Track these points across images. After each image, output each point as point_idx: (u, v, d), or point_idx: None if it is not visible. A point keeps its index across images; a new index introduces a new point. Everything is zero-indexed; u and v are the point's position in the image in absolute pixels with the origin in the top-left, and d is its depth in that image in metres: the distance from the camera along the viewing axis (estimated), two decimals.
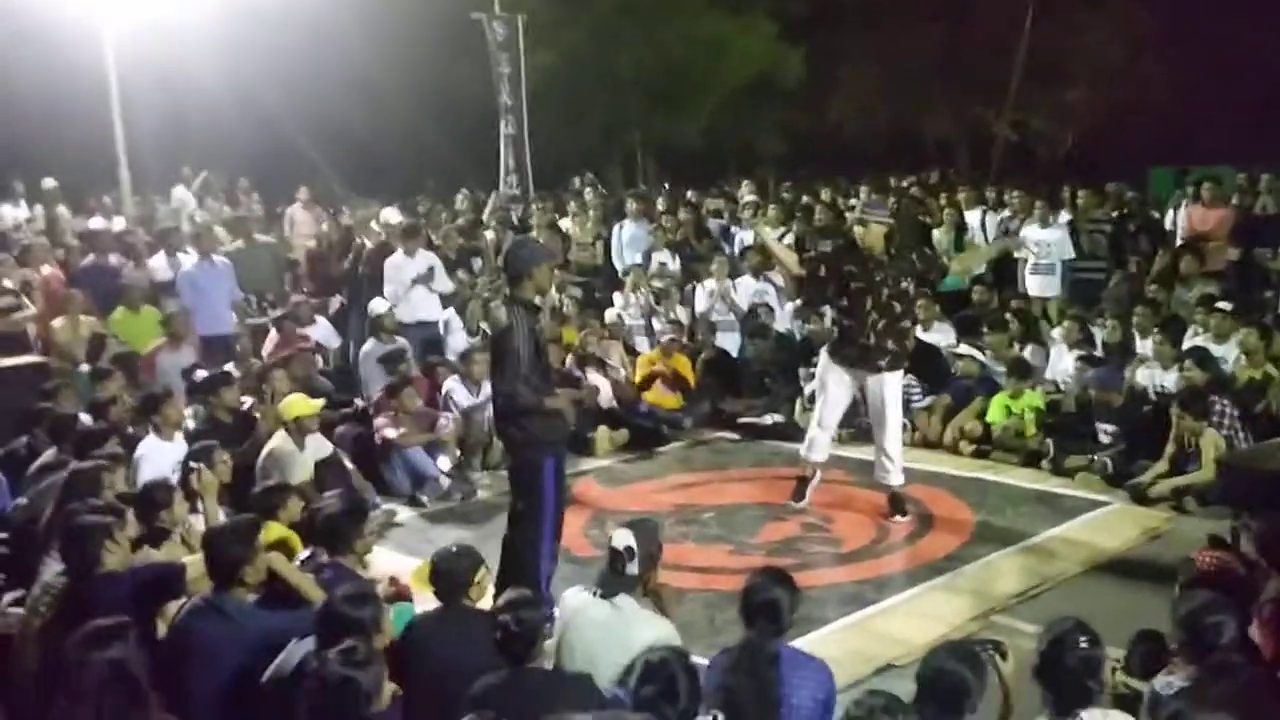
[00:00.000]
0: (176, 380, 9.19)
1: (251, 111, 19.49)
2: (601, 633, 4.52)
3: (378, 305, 10.62)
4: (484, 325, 10.10)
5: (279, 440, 7.79)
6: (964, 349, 10.02)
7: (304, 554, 5.37)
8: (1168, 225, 11.85)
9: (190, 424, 8.44)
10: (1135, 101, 24.12)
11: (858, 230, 7.84)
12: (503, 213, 14.31)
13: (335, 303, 12.43)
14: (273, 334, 10.72)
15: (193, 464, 6.45)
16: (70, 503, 5.49)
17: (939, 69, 25.79)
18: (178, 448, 7.48)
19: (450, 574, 4.70)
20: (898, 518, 7.82)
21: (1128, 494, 8.01)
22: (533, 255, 6.32)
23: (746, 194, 15.52)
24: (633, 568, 4.63)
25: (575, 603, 4.72)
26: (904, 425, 9.48)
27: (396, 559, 6.84)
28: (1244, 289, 10.87)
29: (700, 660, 4.22)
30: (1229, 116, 21.39)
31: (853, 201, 15.65)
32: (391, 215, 13.21)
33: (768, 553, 7.31)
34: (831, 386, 7.98)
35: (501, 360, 6.03)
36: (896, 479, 7.91)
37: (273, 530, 5.42)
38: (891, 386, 7.79)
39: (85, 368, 9.55)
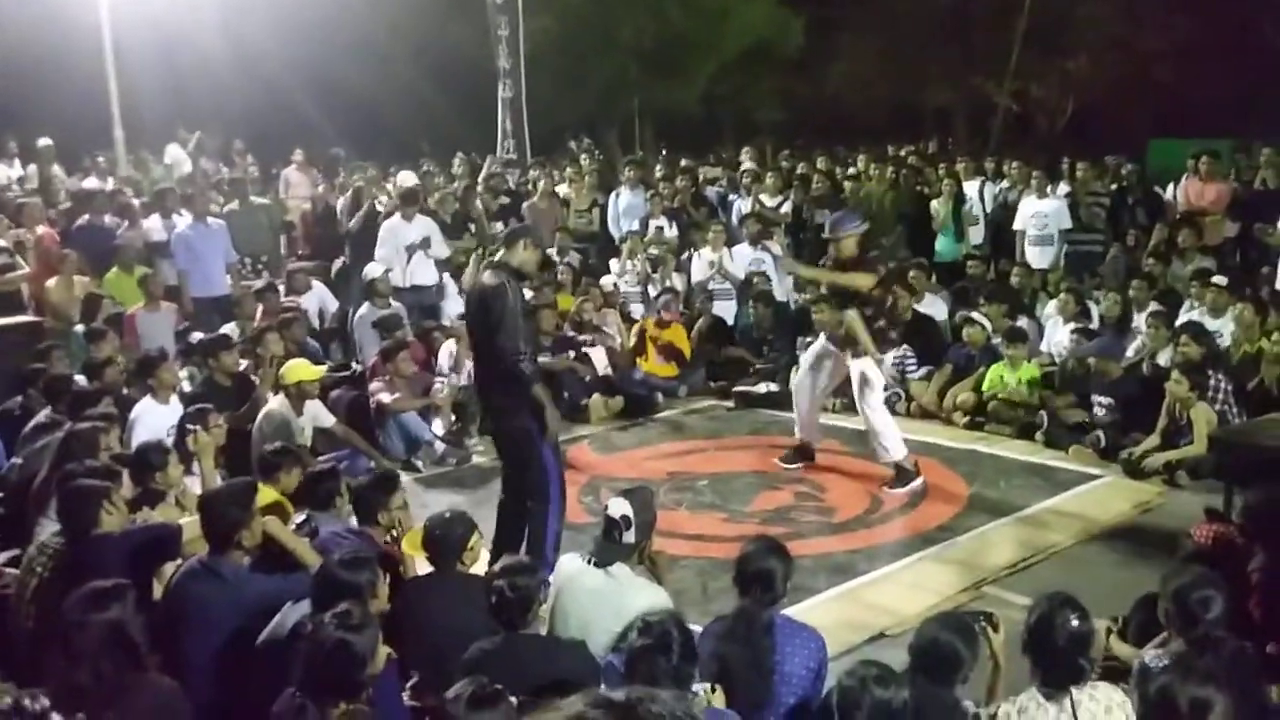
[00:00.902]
0: (156, 341, 9.14)
1: (249, 71, 19.36)
2: (596, 600, 4.54)
3: (372, 269, 10.59)
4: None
5: (276, 404, 7.78)
6: (976, 315, 9.99)
7: (299, 518, 5.39)
8: (1167, 198, 11.81)
9: (186, 386, 8.44)
10: (1136, 73, 23.99)
11: (831, 250, 7.96)
12: (497, 179, 14.24)
13: (337, 264, 12.37)
14: (259, 305, 10.67)
15: (189, 426, 6.45)
16: (67, 463, 5.50)
17: (939, 38, 25.63)
18: (173, 410, 7.49)
19: (444, 539, 4.72)
20: (895, 489, 7.82)
21: (1120, 467, 8.04)
22: (524, 233, 6.43)
23: (746, 162, 15.45)
24: (629, 536, 4.65)
25: (570, 569, 4.75)
26: (899, 396, 9.62)
27: None
28: (1242, 264, 10.87)
29: (694, 627, 4.25)
30: (1229, 90, 21.29)
31: (851, 170, 15.65)
32: (408, 178, 13.12)
33: (761, 521, 7.36)
34: (806, 366, 8.19)
35: (497, 322, 6.00)
36: (895, 454, 7.92)
37: (266, 494, 5.43)
38: (862, 370, 7.84)
39: (80, 328, 9.53)
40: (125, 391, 8.01)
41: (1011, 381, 9.20)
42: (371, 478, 5.58)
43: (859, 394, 7.91)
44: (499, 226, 11.92)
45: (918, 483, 7.88)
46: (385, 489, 5.44)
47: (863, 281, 7.78)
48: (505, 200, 13.49)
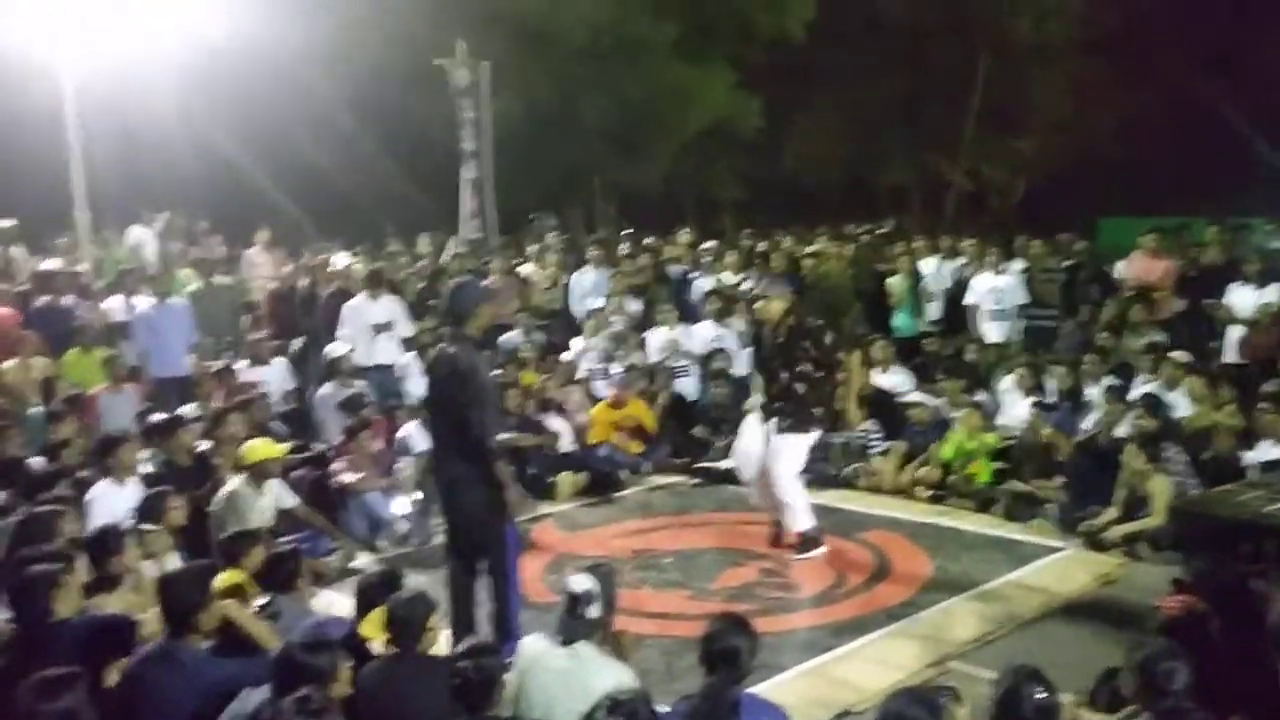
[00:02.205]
0: (118, 423, 9.04)
1: (212, 152, 19.37)
2: (560, 680, 4.49)
3: (336, 348, 10.56)
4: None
5: (236, 484, 7.70)
6: (915, 396, 10.11)
7: (261, 600, 5.30)
8: (1117, 274, 12.03)
9: (147, 467, 8.33)
10: (1086, 151, 24.59)
11: (757, 306, 8.17)
12: (464, 259, 14.29)
13: (296, 343, 12.32)
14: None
15: (144, 525, 6.37)
16: (22, 548, 5.40)
17: (894, 118, 26.19)
18: (131, 492, 7.39)
19: (406, 620, 4.66)
20: (801, 555, 7.96)
21: (1081, 540, 8.08)
22: (478, 295, 6.43)
23: (683, 239, 15.58)
24: (592, 610, 4.61)
25: (533, 650, 4.70)
26: (859, 471, 9.67)
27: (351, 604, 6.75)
28: (1192, 338, 11.06)
29: (660, 708, 4.21)
30: (1176, 168, 21.84)
31: (811, 248, 15.82)
32: (341, 259, 13.18)
33: (725, 598, 7.31)
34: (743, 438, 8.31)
35: (472, 397, 5.97)
36: (802, 523, 8.03)
37: (228, 577, 5.36)
38: (785, 447, 7.97)
39: (39, 409, 9.40)
40: (82, 474, 7.89)
41: (969, 449, 9.26)
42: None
43: (772, 462, 7.99)
44: None
45: (819, 551, 8.00)
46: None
47: (776, 306, 8.02)
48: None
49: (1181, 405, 9.21)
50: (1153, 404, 8.79)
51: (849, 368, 8.29)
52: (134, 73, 15.71)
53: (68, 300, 11.49)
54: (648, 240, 15.75)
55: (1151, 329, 10.74)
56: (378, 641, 4.87)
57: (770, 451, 8.04)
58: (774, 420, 8.04)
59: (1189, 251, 12.23)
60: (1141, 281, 11.47)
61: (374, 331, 10.99)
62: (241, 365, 11.09)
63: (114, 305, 11.44)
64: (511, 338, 12.06)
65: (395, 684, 4.52)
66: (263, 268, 14.46)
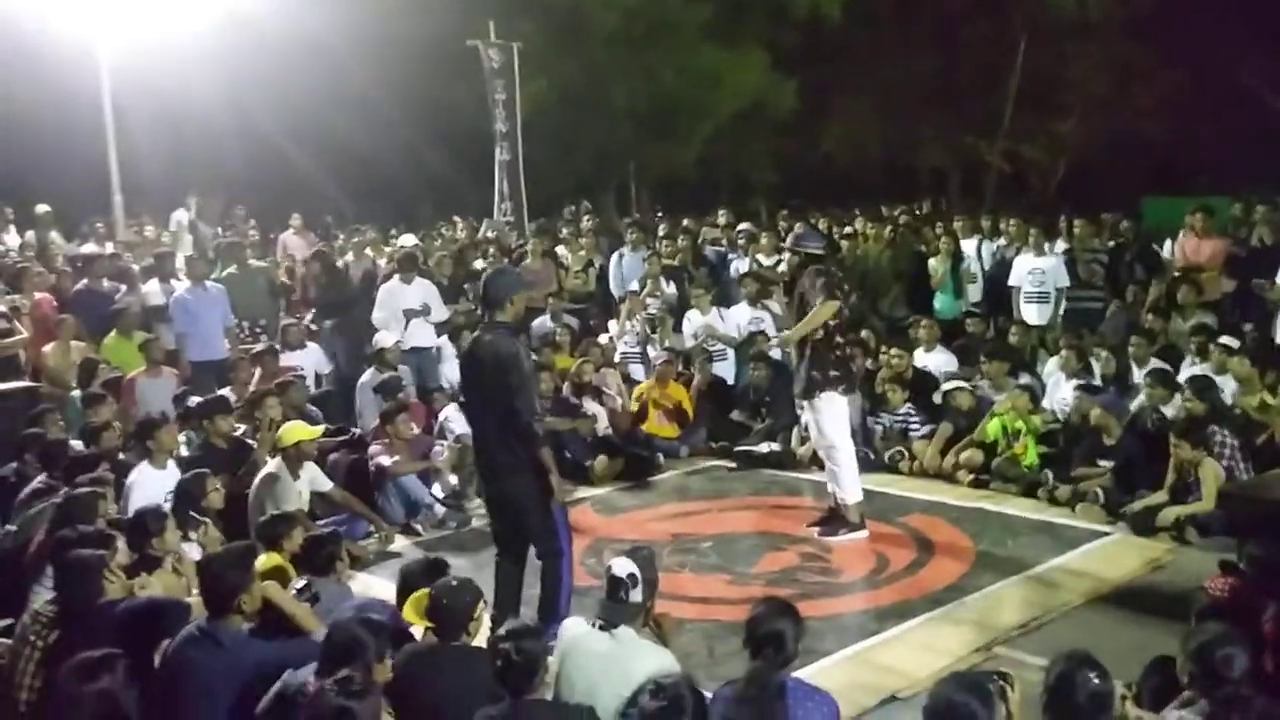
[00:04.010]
0: (155, 406, 9.09)
1: (251, 134, 19.48)
2: (602, 664, 4.45)
3: (383, 339, 10.57)
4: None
5: (273, 467, 7.73)
6: (952, 384, 9.97)
7: (299, 583, 5.29)
8: (1164, 255, 11.84)
9: (184, 450, 8.37)
10: (1127, 132, 24.25)
11: (790, 260, 7.94)
12: (493, 242, 14.29)
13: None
14: (257, 369, 10.62)
15: (193, 514, 6.39)
16: (62, 529, 5.42)
17: (931, 100, 25.93)
18: (170, 474, 7.43)
19: (451, 609, 4.61)
20: (827, 535, 7.98)
21: (1128, 524, 7.95)
22: (513, 282, 6.40)
23: (722, 221, 15.51)
24: (635, 595, 4.57)
25: (575, 633, 4.66)
26: (902, 454, 9.60)
27: (391, 588, 6.75)
28: (1241, 319, 10.87)
29: (703, 693, 4.16)
30: (1221, 146, 21.49)
31: (847, 229, 15.72)
32: (408, 240, 13.13)
33: (766, 583, 7.25)
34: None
35: (516, 385, 5.92)
36: (849, 498, 8.03)
37: (267, 559, 5.36)
38: (821, 408, 7.96)
39: (77, 393, 9.47)
40: (121, 456, 7.93)
41: (1013, 430, 9.14)
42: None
43: (815, 433, 7.98)
44: None
45: (860, 535, 7.96)
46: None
47: (826, 312, 7.83)
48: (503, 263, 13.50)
49: (1230, 389, 9.03)
50: (1202, 386, 8.63)
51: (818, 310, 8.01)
52: (174, 56, 15.79)
53: (106, 284, 11.57)
54: (686, 222, 15.69)
55: (1199, 310, 10.56)
56: (418, 627, 4.84)
57: (812, 420, 8.06)
58: (802, 387, 8.04)
59: (1238, 231, 12.02)
60: (1189, 262, 11.28)
61: (406, 316, 10.99)
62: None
63: (151, 289, 11.49)
64: (543, 322, 12.03)
65: (435, 673, 4.48)
66: (296, 251, 14.52)
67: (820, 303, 7.81)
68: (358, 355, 11.34)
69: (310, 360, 11.18)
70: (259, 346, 10.82)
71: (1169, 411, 8.70)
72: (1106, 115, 24.87)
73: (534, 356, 9.83)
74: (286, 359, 10.83)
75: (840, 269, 10.52)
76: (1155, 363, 9.64)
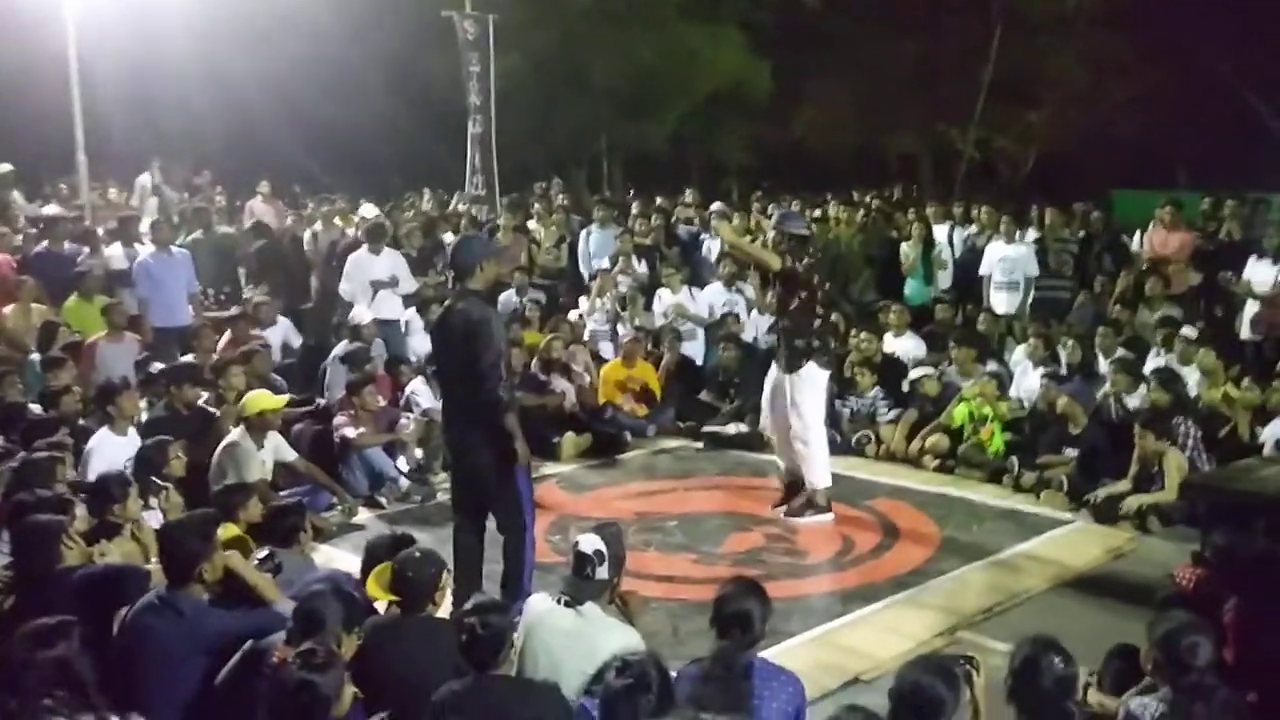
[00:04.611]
0: (116, 371, 8.96)
1: (220, 98, 19.19)
2: (567, 641, 4.43)
3: (359, 314, 10.47)
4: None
5: (236, 436, 7.65)
6: (919, 372, 9.98)
7: (261, 553, 5.23)
8: (1133, 247, 11.90)
9: (144, 416, 8.26)
10: (1100, 125, 24.34)
11: (775, 242, 8.02)
12: (472, 213, 14.19)
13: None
14: (227, 333, 10.51)
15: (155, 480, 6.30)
16: (19, 492, 5.33)
17: (906, 86, 25.92)
18: (130, 441, 7.34)
19: (416, 581, 4.57)
20: (794, 516, 7.99)
21: (1091, 513, 8.01)
22: (481, 248, 6.38)
23: (690, 200, 15.44)
24: (601, 571, 4.55)
25: (539, 609, 4.63)
26: (869, 438, 9.62)
27: (353, 560, 6.70)
28: (1207, 312, 10.96)
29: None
30: (1198, 143, 21.60)
31: (818, 213, 15.71)
32: (370, 211, 13.04)
33: (732, 563, 7.25)
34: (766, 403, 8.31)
35: (483, 350, 5.89)
36: (818, 482, 8.01)
37: (228, 529, 5.30)
38: (800, 382, 7.95)
39: (36, 356, 9.31)
40: (81, 422, 7.82)
41: (979, 415, 9.18)
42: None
43: (790, 411, 7.94)
44: None
45: (826, 517, 7.96)
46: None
47: (773, 260, 7.88)
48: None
49: (1193, 380, 9.11)
50: (1167, 377, 8.70)
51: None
52: (144, 16, 15.53)
53: (68, 246, 11.39)
54: (659, 200, 15.63)
55: (1166, 303, 10.63)
56: (382, 601, 4.79)
57: (788, 392, 7.97)
58: (783, 358, 8.01)
59: (1206, 226, 12.10)
60: (1157, 254, 11.36)
61: (375, 287, 10.89)
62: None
63: (114, 253, 11.32)
64: (509, 297, 11.97)
65: (401, 645, 4.44)
66: (264, 219, 14.36)
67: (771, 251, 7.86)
68: (317, 328, 11.24)
69: (278, 333, 11.05)
70: (232, 311, 10.68)
71: (1133, 402, 8.76)
72: (1081, 108, 24.95)
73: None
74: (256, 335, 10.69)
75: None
76: (1121, 353, 9.70)
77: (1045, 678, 3.72)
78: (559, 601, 4.56)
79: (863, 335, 10.62)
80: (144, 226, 11.85)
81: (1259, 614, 4.59)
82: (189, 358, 9.56)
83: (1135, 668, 4.25)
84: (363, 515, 8.31)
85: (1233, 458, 7.84)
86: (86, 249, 11.41)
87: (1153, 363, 9.47)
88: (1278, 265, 10.30)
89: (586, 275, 12.84)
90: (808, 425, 7.98)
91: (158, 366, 9.29)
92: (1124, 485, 8.00)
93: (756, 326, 11.43)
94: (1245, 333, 10.38)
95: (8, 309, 9.99)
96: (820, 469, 8.05)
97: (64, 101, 13.62)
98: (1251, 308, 10.36)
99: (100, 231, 11.91)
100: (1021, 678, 3.78)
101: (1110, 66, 24.27)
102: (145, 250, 10.95)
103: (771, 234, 8.15)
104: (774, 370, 8.23)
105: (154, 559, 5.09)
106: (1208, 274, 11.08)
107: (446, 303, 6.39)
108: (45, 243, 11.40)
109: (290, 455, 8.07)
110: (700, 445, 10.22)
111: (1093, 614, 6.35)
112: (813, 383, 7.97)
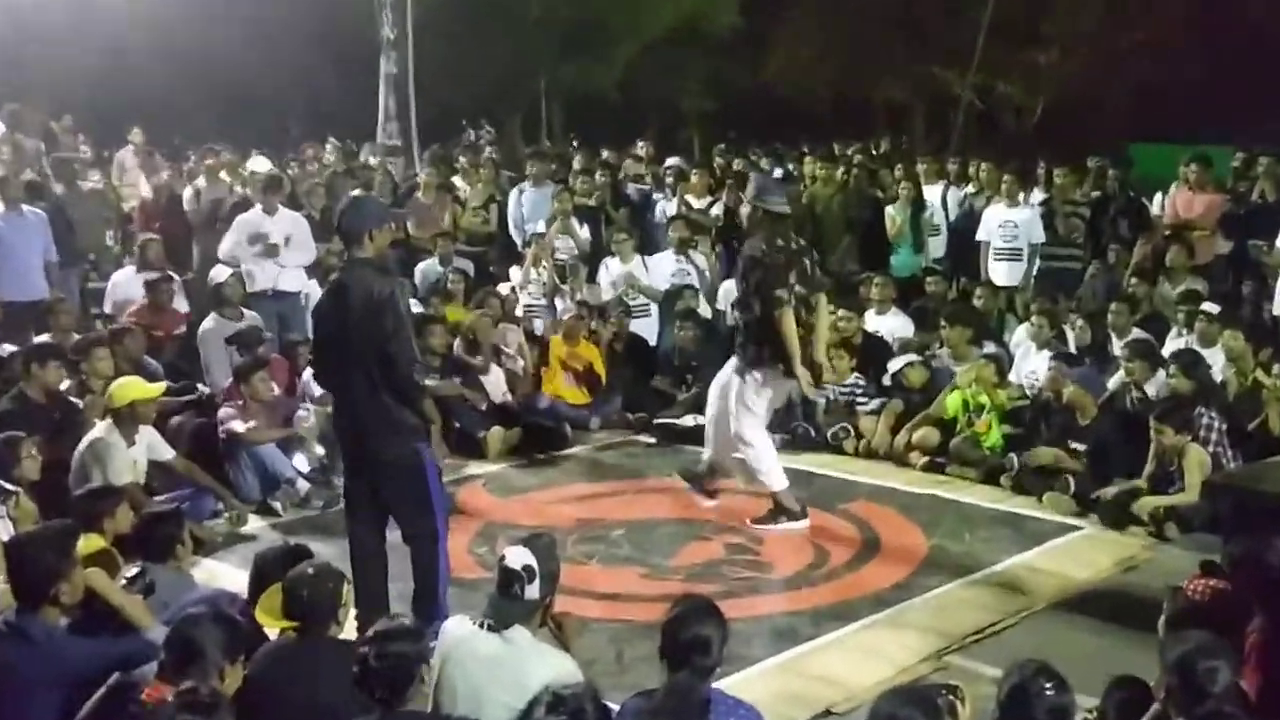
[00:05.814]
0: None
1: (87, 31, 18.91)
2: (490, 669, 4.45)
3: (219, 272, 10.39)
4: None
5: (102, 430, 7.60)
6: (902, 361, 10.05)
7: (131, 570, 5.20)
8: (1153, 210, 12.05)
9: None
10: (1114, 69, 24.60)
11: (752, 216, 8.06)
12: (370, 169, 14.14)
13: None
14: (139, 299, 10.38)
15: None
16: None
17: (894, 24, 26.05)
18: None
19: (314, 601, 4.57)
20: (766, 525, 8.05)
21: (1099, 518, 8.13)
22: (373, 213, 6.31)
23: (644, 154, 15.48)
24: (531, 591, 4.55)
25: (458, 634, 4.64)
26: (847, 432, 9.70)
27: (241, 577, 6.67)
28: (1234, 286, 11.12)
29: (609, 705, 4.17)
30: (1219, 89, 21.86)
31: (791, 169, 15.80)
32: (262, 164, 12.97)
33: (686, 577, 7.30)
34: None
35: (392, 329, 5.89)
36: (774, 483, 8.08)
37: (91, 542, 5.26)
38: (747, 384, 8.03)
39: None
40: None
41: (974, 406, 9.28)
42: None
43: (735, 409, 8.00)
44: None
45: (800, 525, 8.01)
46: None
47: (790, 324, 7.85)
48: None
49: (1219, 364, 9.25)
50: (1189, 362, 8.82)
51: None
52: None
53: None
54: (605, 154, 15.63)
55: (1190, 275, 10.78)
56: (273, 629, 4.79)
57: (733, 392, 8.05)
58: (737, 354, 8.07)
59: (1236, 185, 12.26)
60: (1180, 219, 11.51)
61: (267, 253, 10.83)
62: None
63: None
64: (431, 266, 11.93)
65: (302, 674, 4.44)
66: (134, 174, 14.23)
67: (778, 315, 7.79)
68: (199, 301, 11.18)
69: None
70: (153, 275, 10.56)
71: (1150, 389, 8.88)
72: (1094, 48, 25.21)
73: (419, 307, 9.78)
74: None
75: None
76: (1137, 333, 9.83)
77: (1037, 707, 3.78)
78: (481, 625, 4.58)
79: (841, 313, 10.68)
80: None
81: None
82: (45, 337, 9.46)
83: (1140, 698, 4.32)
84: (253, 524, 8.28)
85: (1261, 455, 7.98)
86: None
87: (1173, 344, 9.61)
88: None
89: (520, 241, 12.82)
90: (745, 433, 8.04)
91: (7, 348, 9.17)
92: (1138, 484, 8.12)
93: (715, 299, 11.46)
94: (1278, 310, 10.56)
95: None
96: (771, 471, 8.09)
97: None
98: None
99: None
100: (1010, 708, 3.84)
101: (1125, 2, 24.52)
102: None
103: (745, 209, 8.17)
104: (735, 360, 8.24)
105: (1, 578, 5.04)
106: (1238, 242, 11.25)
107: (334, 276, 6.40)
108: None
109: (167, 453, 8.04)
110: (652, 440, 10.27)
111: (1097, 635, 6.44)
112: (765, 388, 8.03)
